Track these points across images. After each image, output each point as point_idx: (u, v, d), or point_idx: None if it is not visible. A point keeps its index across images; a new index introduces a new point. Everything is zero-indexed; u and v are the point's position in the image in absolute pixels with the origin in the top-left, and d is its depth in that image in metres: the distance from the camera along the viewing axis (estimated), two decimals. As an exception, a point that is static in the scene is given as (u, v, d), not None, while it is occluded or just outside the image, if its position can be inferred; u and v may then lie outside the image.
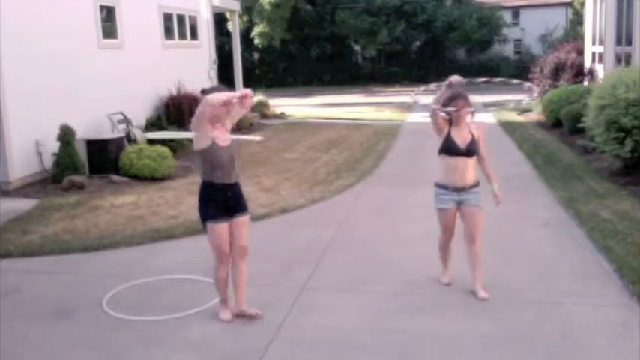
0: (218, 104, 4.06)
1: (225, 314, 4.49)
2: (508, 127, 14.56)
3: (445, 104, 4.68)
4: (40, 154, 9.43)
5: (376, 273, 5.35)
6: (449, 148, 4.69)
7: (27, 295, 5.12)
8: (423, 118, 18.43)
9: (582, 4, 24.14)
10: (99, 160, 9.67)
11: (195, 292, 4.99)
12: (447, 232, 4.90)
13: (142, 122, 11.78)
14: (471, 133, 4.76)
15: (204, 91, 4.35)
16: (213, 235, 4.32)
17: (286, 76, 36.95)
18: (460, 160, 4.70)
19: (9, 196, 8.49)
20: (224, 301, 4.53)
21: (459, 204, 4.78)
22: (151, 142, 11.08)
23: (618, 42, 13.82)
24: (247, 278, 4.45)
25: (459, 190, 4.75)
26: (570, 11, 35.89)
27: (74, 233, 6.69)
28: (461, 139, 4.70)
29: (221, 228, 4.30)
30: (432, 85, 5.04)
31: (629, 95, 8.11)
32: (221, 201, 4.29)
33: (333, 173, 9.66)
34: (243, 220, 4.40)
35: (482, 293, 4.71)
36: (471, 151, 4.72)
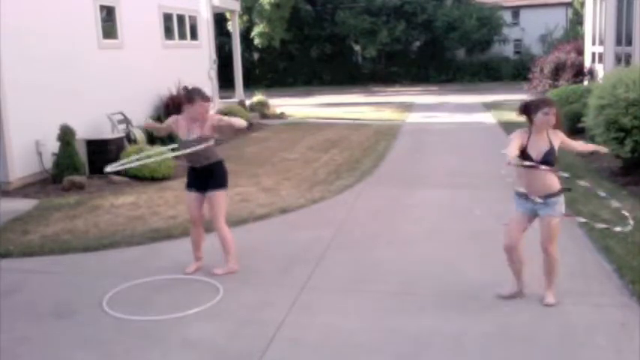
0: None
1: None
2: (508, 126, 14.53)
3: (532, 107, 4.63)
4: (40, 154, 9.43)
5: (376, 273, 5.35)
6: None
7: (27, 295, 5.12)
8: (422, 118, 18.47)
9: (582, 4, 24.13)
10: (99, 160, 9.65)
11: (195, 292, 4.98)
12: None
13: (142, 122, 11.77)
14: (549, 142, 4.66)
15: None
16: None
17: (286, 76, 36.94)
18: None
19: (9, 196, 8.49)
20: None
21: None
22: (151, 142, 11.10)
23: (618, 42, 13.82)
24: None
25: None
26: (570, 11, 35.88)
27: (74, 233, 6.69)
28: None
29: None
30: None
31: (629, 95, 8.11)
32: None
33: (333, 173, 9.65)
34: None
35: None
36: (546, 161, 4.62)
